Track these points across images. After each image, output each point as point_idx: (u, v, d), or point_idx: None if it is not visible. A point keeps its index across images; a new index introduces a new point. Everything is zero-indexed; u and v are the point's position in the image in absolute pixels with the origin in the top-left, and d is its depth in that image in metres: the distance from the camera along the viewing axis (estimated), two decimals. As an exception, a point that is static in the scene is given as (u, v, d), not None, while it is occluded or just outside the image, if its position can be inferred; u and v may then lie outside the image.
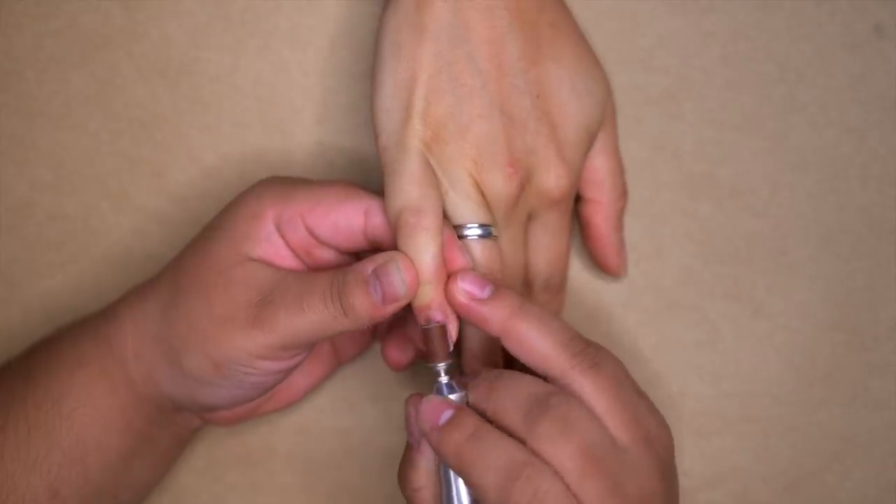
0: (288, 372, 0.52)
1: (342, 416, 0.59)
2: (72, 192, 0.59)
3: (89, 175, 0.59)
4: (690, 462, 0.58)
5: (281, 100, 0.59)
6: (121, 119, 0.59)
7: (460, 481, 0.48)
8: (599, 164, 0.55)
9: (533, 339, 0.48)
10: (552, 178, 0.52)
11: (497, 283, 0.50)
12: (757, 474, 0.58)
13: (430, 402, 0.49)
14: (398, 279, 0.49)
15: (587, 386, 0.47)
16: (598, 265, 0.57)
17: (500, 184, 0.51)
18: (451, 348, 0.50)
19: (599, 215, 0.56)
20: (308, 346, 0.51)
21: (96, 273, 0.59)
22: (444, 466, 0.49)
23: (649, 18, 0.58)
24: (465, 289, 0.49)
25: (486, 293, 0.49)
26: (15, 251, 0.59)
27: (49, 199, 0.59)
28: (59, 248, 0.59)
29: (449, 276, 0.50)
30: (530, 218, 0.53)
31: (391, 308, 0.49)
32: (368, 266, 0.49)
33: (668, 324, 0.59)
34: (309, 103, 0.59)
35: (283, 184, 0.52)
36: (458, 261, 0.50)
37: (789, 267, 0.58)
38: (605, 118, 0.55)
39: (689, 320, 0.58)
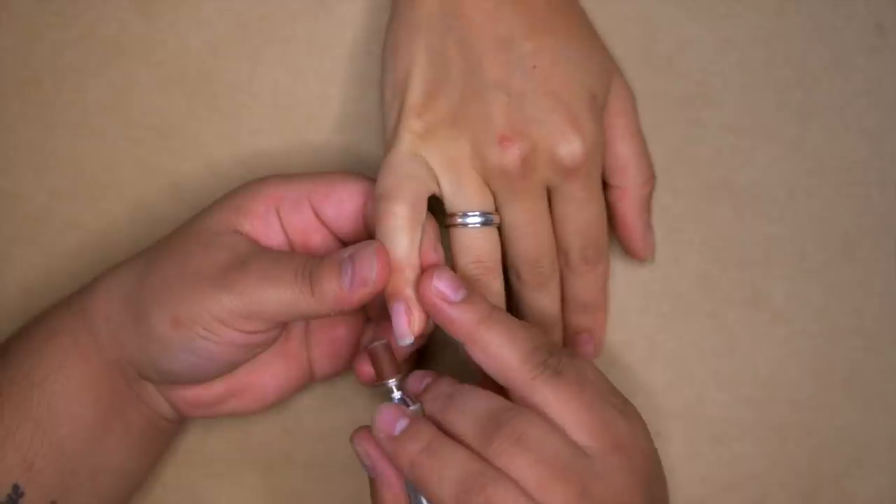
0: (246, 351, 0.52)
1: (360, 423, 0.59)
2: (90, 200, 0.59)
3: (107, 184, 0.59)
4: (707, 468, 0.58)
5: (299, 107, 0.59)
6: (139, 128, 0.59)
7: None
8: (621, 150, 0.55)
9: (496, 348, 0.48)
10: (562, 146, 0.51)
11: (470, 288, 0.50)
12: (774, 480, 0.58)
13: (384, 411, 0.49)
14: (369, 264, 0.49)
15: (548, 395, 0.47)
16: (625, 250, 0.57)
17: (496, 158, 0.50)
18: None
19: (624, 201, 0.55)
20: (271, 324, 0.51)
21: (114, 281, 0.59)
22: (409, 485, 0.49)
23: (668, 25, 0.58)
24: (437, 288, 0.49)
25: (457, 297, 0.49)
26: (33, 260, 0.60)
27: (67, 207, 0.59)
28: (78, 256, 0.59)
29: (425, 271, 0.50)
30: (553, 190, 0.53)
31: (358, 294, 0.49)
32: (346, 251, 0.50)
33: (686, 330, 0.58)
34: (327, 110, 0.59)
35: (286, 175, 0.54)
36: (430, 257, 0.51)
37: (807, 272, 0.58)
38: (614, 92, 0.54)
39: (706, 326, 0.58)
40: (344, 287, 0.49)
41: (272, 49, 0.58)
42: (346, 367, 0.58)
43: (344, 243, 0.55)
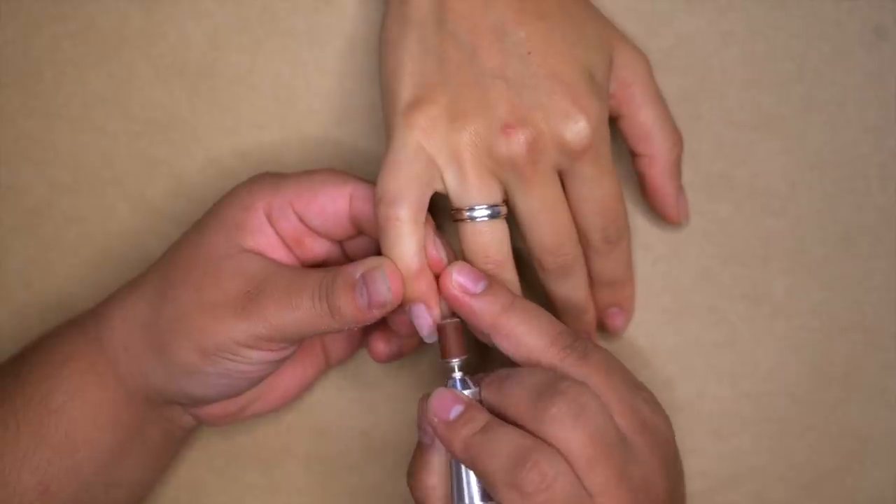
0: (275, 365, 0.52)
1: (360, 417, 0.59)
2: (90, 193, 0.59)
3: (107, 177, 0.59)
4: (708, 462, 0.58)
5: (299, 100, 0.59)
6: (139, 120, 0.59)
7: (472, 477, 0.49)
8: (643, 118, 0.54)
9: (522, 334, 0.49)
10: (567, 128, 0.50)
11: (491, 279, 0.50)
12: (775, 474, 0.58)
13: (439, 396, 0.49)
14: (384, 286, 0.49)
15: (578, 377, 0.48)
16: (659, 216, 0.57)
17: (502, 148, 0.50)
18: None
19: (653, 168, 0.55)
20: (295, 341, 0.51)
21: (114, 275, 0.59)
22: (454, 463, 0.49)
23: (667, 19, 0.57)
24: (459, 281, 0.50)
25: (479, 288, 0.50)
26: (33, 253, 0.60)
27: (67, 200, 0.59)
28: (77, 250, 0.59)
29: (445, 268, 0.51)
30: (564, 173, 0.52)
31: (377, 312, 0.50)
32: (358, 269, 0.50)
33: (687, 324, 0.58)
34: (327, 104, 0.58)
35: (273, 176, 0.53)
36: (431, 255, 0.51)
37: (807, 267, 0.58)
38: (621, 62, 0.54)
39: (707, 321, 0.58)
40: (362, 307, 0.49)
41: (272, 42, 0.58)
42: (359, 347, 0.58)
43: (337, 242, 0.55)
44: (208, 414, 0.55)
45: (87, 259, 0.59)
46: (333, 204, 0.52)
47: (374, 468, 0.59)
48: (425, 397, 0.50)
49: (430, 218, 0.51)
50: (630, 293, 0.57)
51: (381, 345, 0.55)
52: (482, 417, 0.48)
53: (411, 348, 0.56)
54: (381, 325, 0.56)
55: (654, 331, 0.58)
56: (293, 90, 0.58)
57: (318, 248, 0.54)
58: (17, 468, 0.51)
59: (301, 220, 0.53)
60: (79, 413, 0.52)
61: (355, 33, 0.58)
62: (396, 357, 0.56)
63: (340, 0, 0.58)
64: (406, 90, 0.51)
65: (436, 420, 0.48)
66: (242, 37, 0.58)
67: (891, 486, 0.58)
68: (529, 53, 0.51)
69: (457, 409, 0.48)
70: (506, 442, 0.46)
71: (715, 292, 0.58)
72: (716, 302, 0.58)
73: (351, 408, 0.59)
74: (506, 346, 0.49)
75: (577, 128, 0.50)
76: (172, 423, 0.55)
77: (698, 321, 0.58)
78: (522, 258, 0.54)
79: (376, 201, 0.50)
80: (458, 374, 0.50)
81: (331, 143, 0.59)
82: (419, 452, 0.50)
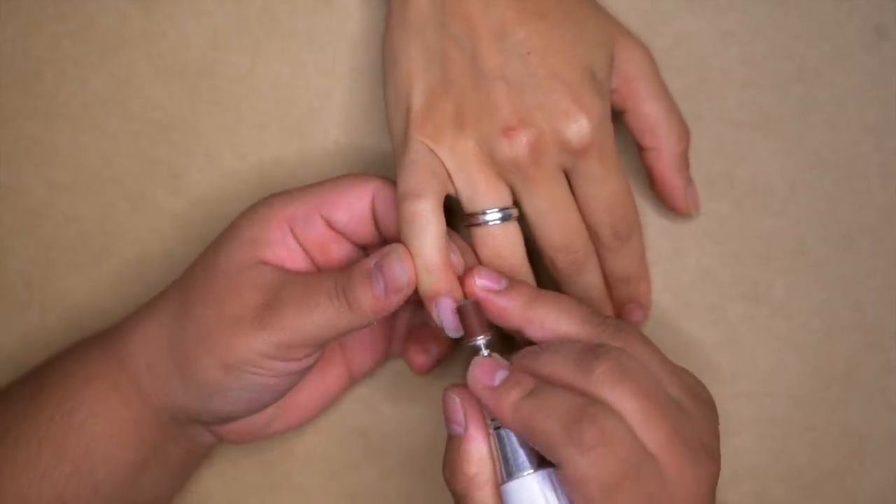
0: (299, 375, 0.52)
1: (360, 417, 0.59)
2: (90, 193, 0.59)
3: (107, 176, 0.59)
4: (708, 462, 0.58)
5: (299, 101, 0.59)
6: (139, 120, 0.59)
7: (518, 447, 0.48)
8: (648, 111, 0.54)
9: (554, 320, 0.49)
10: (568, 127, 0.51)
11: (511, 278, 0.51)
12: (775, 474, 0.58)
13: (480, 364, 0.49)
14: (399, 268, 0.49)
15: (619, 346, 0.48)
16: (669, 209, 0.57)
17: (505, 150, 0.50)
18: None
19: (660, 161, 0.55)
20: (317, 346, 0.51)
21: (114, 274, 0.59)
22: (497, 438, 0.48)
23: (667, 19, 0.57)
24: (482, 283, 0.50)
25: (502, 286, 0.50)
26: (33, 253, 0.60)
27: (67, 200, 0.59)
28: (77, 249, 0.59)
29: (466, 271, 0.51)
30: (570, 172, 0.52)
31: (394, 299, 0.49)
32: (371, 260, 0.50)
33: (687, 324, 0.58)
34: (327, 104, 0.58)
35: (289, 191, 0.53)
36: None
37: (808, 267, 0.58)
38: (624, 57, 0.54)
39: (707, 320, 0.58)
40: (379, 296, 0.49)
41: (272, 42, 0.58)
42: (384, 358, 0.58)
43: (361, 247, 0.54)
44: (231, 432, 0.55)
45: (87, 258, 0.59)
46: (360, 201, 0.52)
47: (374, 468, 0.59)
48: (454, 387, 0.50)
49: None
50: (646, 288, 0.57)
51: (420, 357, 0.55)
52: (529, 380, 0.47)
53: (447, 353, 0.56)
54: (416, 337, 0.56)
55: (654, 330, 0.58)
56: (293, 90, 0.59)
57: (343, 253, 0.54)
58: (37, 484, 0.51)
59: (329, 224, 0.52)
60: (101, 430, 0.52)
61: (355, 34, 0.58)
62: (436, 364, 0.56)
63: (341, 1, 0.58)
64: (414, 100, 0.51)
65: (480, 387, 0.48)
66: (242, 37, 0.58)
67: (891, 486, 0.58)
68: (529, 53, 0.51)
69: (501, 374, 0.48)
70: (559, 401, 0.46)
71: (715, 292, 0.58)
72: (715, 301, 0.58)
73: (351, 408, 0.59)
74: (539, 335, 0.50)
75: (578, 126, 0.51)
76: (194, 441, 0.55)
77: (698, 320, 0.58)
78: (538, 259, 0.54)
79: (398, 200, 0.50)
80: (485, 353, 0.49)
81: (331, 144, 0.59)
82: (453, 445, 0.49)
